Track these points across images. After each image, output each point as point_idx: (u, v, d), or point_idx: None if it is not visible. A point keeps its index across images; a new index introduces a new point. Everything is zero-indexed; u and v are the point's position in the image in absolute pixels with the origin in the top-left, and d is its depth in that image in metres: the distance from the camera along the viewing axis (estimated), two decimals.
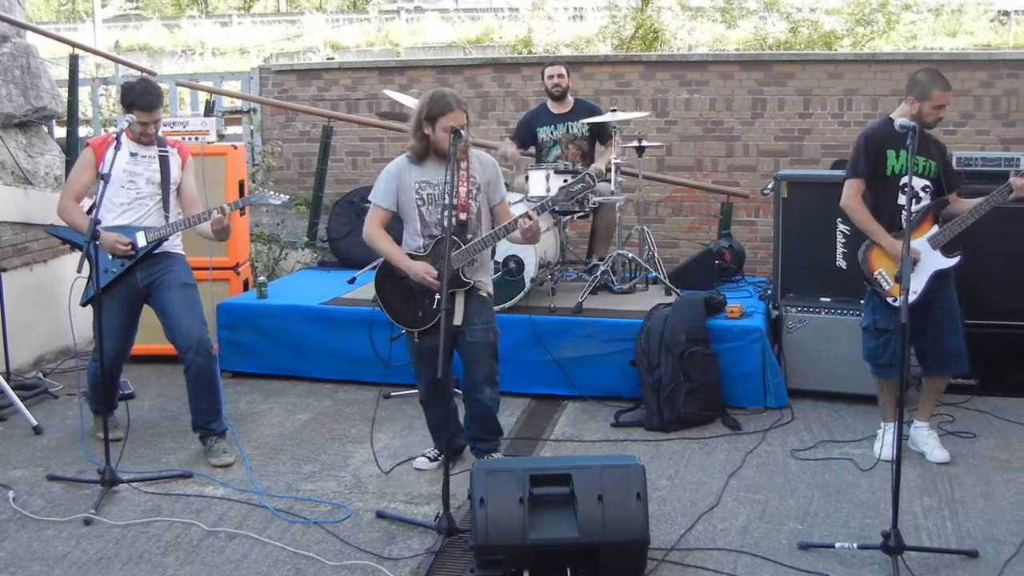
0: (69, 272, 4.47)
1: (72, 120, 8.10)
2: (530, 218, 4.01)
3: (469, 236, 4.14)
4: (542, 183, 5.78)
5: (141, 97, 4.63)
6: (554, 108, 6.62)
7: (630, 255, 6.47)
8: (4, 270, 5.72)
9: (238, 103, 9.69)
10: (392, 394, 5.65)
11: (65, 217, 4.72)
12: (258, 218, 8.09)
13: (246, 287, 6.58)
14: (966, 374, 4.80)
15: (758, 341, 5.39)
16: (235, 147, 6.54)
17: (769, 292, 6.16)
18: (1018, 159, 5.61)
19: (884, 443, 4.61)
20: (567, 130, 6.54)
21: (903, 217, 4.34)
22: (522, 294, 5.67)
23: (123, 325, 4.73)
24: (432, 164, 4.18)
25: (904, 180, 4.40)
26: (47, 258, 6.42)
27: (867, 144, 4.53)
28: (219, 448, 4.67)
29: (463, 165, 4.16)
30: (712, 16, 16.96)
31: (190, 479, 4.42)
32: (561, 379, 5.55)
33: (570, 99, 6.64)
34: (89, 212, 4.37)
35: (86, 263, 4.15)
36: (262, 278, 6.38)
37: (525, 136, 6.73)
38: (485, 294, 4.29)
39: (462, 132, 4.02)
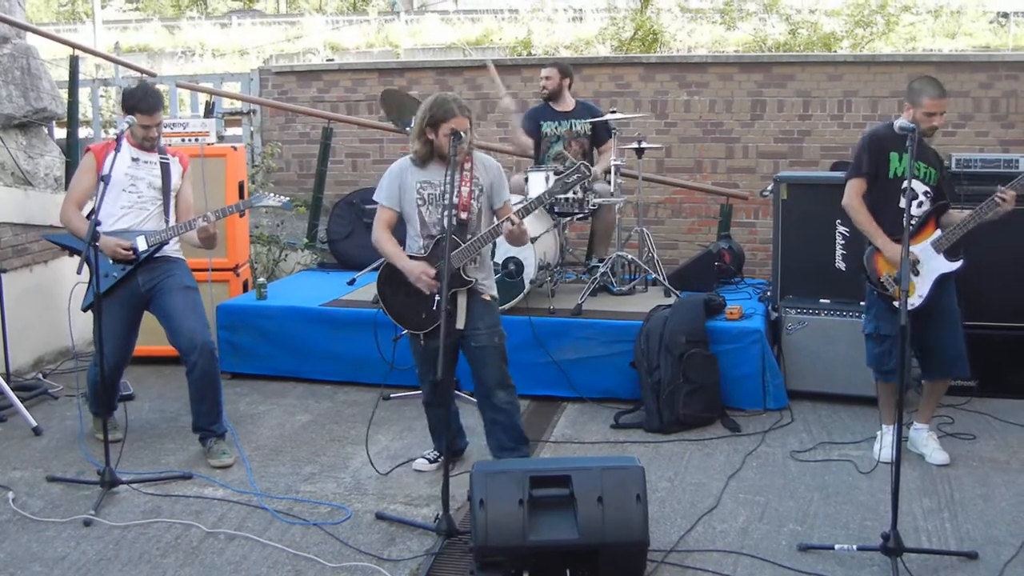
0: (69, 273, 4.47)
1: (72, 121, 8.11)
2: (512, 222, 4.02)
3: (469, 236, 4.14)
4: (542, 185, 5.78)
5: (142, 101, 4.63)
6: (556, 106, 6.63)
7: (629, 257, 6.48)
8: (4, 271, 5.72)
9: (238, 104, 9.69)
10: (391, 396, 5.65)
11: (67, 223, 4.71)
12: (258, 219, 8.09)
13: (246, 288, 6.59)
14: (966, 376, 4.81)
15: (757, 343, 5.40)
16: (235, 148, 6.54)
17: (768, 294, 6.16)
18: (1017, 160, 5.61)
19: (883, 445, 4.61)
20: (571, 127, 6.55)
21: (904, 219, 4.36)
22: (521, 296, 5.68)
23: (124, 330, 4.73)
24: (435, 167, 4.18)
25: (907, 183, 4.40)
26: (47, 259, 6.42)
27: (871, 145, 4.52)
28: (219, 449, 4.67)
29: (466, 167, 4.17)
30: (711, 18, 17.00)
31: (190, 480, 4.42)
32: (560, 380, 5.55)
33: (572, 100, 6.64)
34: (90, 216, 4.37)
35: (86, 266, 4.13)
36: (262, 279, 6.39)
37: (530, 127, 6.73)
38: (489, 297, 4.27)
39: (462, 134, 4.04)
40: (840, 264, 5.69)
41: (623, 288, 6.33)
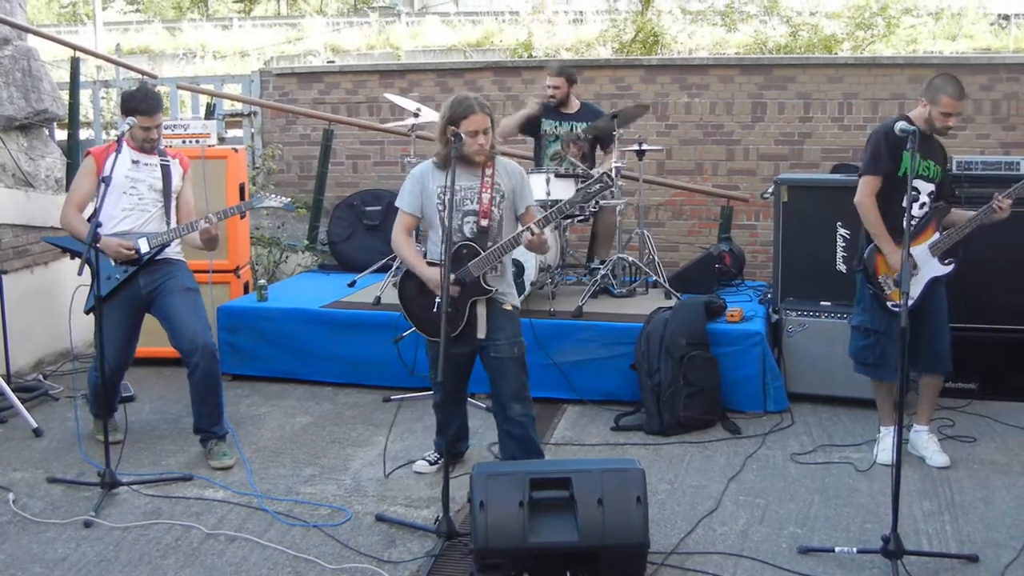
0: (70, 275, 4.47)
1: (73, 123, 8.11)
2: (532, 231, 3.93)
3: (489, 243, 4.05)
4: (542, 187, 5.78)
5: (142, 102, 4.63)
6: (561, 109, 6.64)
7: (630, 259, 6.48)
8: (5, 272, 5.72)
9: (239, 106, 9.70)
10: (392, 398, 5.65)
11: (67, 226, 4.71)
12: (258, 221, 8.10)
13: (246, 290, 6.59)
14: (962, 375, 4.82)
15: (758, 345, 5.40)
16: (236, 150, 6.54)
17: (769, 296, 6.16)
18: (1018, 163, 5.61)
19: (883, 447, 4.62)
20: (571, 128, 6.55)
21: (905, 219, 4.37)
22: (522, 298, 5.67)
23: (125, 333, 4.73)
24: (458, 169, 4.06)
25: (916, 182, 4.42)
26: (48, 260, 6.42)
27: (888, 141, 4.48)
28: (219, 451, 4.67)
29: (487, 172, 4.09)
30: (712, 20, 16.99)
31: (190, 482, 4.42)
32: (561, 383, 5.55)
33: (577, 102, 6.66)
34: (91, 219, 4.36)
35: (87, 268, 4.10)
36: (262, 281, 6.39)
37: (529, 128, 6.74)
38: (510, 307, 4.18)
39: (463, 135, 3.97)
40: (841, 266, 5.69)
41: (624, 290, 6.34)
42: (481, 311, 4.11)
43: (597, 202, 6.03)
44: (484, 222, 4.07)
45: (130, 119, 4.56)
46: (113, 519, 4.01)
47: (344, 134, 9.12)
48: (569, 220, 6.26)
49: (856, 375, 4.84)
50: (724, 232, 7.66)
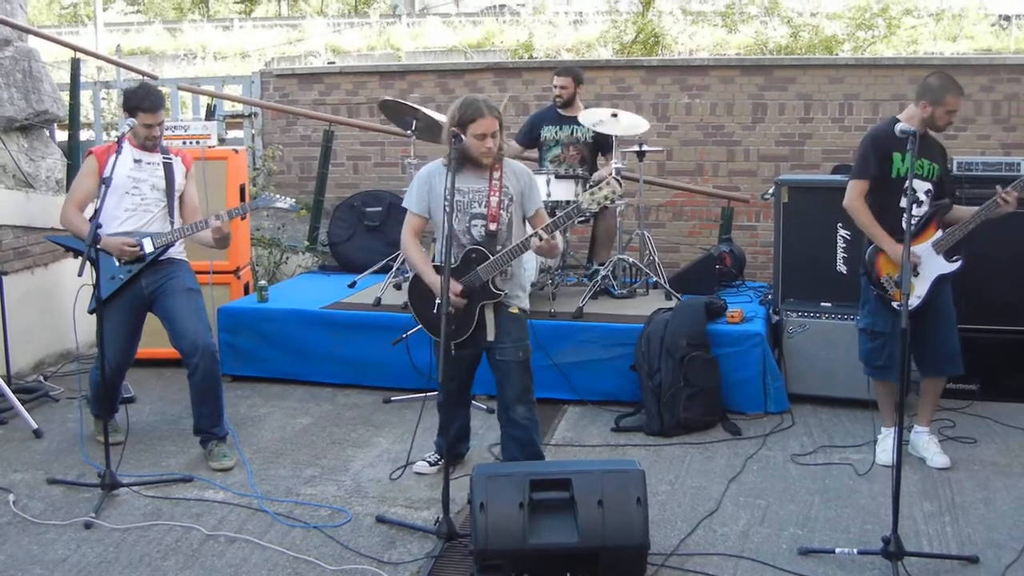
0: (70, 276, 4.46)
1: (74, 124, 8.11)
2: (540, 237, 3.93)
3: (498, 247, 4.03)
4: (543, 188, 5.77)
5: (144, 100, 4.64)
6: (564, 111, 6.65)
7: (630, 260, 6.48)
8: (5, 273, 5.72)
9: (239, 107, 9.70)
10: (392, 399, 5.65)
11: (68, 225, 4.71)
12: (259, 222, 8.10)
13: (247, 291, 6.59)
14: (963, 376, 4.81)
15: (758, 346, 5.39)
16: (236, 151, 6.55)
17: (770, 297, 6.16)
18: (1019, 163, 5.61)
19: (884, 448, 4.61)
20: (571, 132, 6.55)
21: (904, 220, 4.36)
22: None
23: (127, 333, 4.73)
24: (466, 172, 4.05)
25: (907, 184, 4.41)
26: (48, 261, 6.42)
27: (874, 145, 4.52)
28: (219, 452, 4.67)
29: (495, 174, 4.07)
30: (713, 21, 16.98)
31: (190, 483, 4.42)
32: (561, 383, 5.55)
33: (580, 105, 6.66)
34: (91, 219, 4.36)
35: (88, 269, 4.08)
36: (263, 282, 6.39)
37: (527, 137, 6.75)
38: (517, 310, 4.17)
39: (463, 136, 3.95)
40: (841, 267, 5.69)
41: (624, 291, 6.34)
42: (489, 314, 4.10)
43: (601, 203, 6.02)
44: (492, 226, 4.05)
45: (130, 120, 4.57)
46: (113, 520, 4.01)
47: (344, 135, 9.12)
48: (569, 221, 6.23)
49: (856, 376, 4.83)
50: (724, 233, 7.66)
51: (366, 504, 4.21)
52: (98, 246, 4.24)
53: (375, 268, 6.83)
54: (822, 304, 5.62)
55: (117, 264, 4.63)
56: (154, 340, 5.30)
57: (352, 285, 6.72)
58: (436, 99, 8.79)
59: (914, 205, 4.44)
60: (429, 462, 4.58)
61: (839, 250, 5.70)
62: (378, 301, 6.09)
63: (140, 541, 3.84)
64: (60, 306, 6.14)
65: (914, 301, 4.39)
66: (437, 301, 3.96)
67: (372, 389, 5.80)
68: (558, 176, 5.98)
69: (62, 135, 8.37)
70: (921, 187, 4.50)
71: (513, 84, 9.08)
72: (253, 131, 9.47)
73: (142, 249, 4.62)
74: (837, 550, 3.67)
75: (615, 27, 16.67)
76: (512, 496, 3.36)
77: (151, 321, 4.81)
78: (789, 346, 5.60)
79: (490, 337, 4.10)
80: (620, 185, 4.05)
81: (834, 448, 4.88)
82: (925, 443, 4.67)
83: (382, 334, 5.67)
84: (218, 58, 21.18)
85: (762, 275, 7.76)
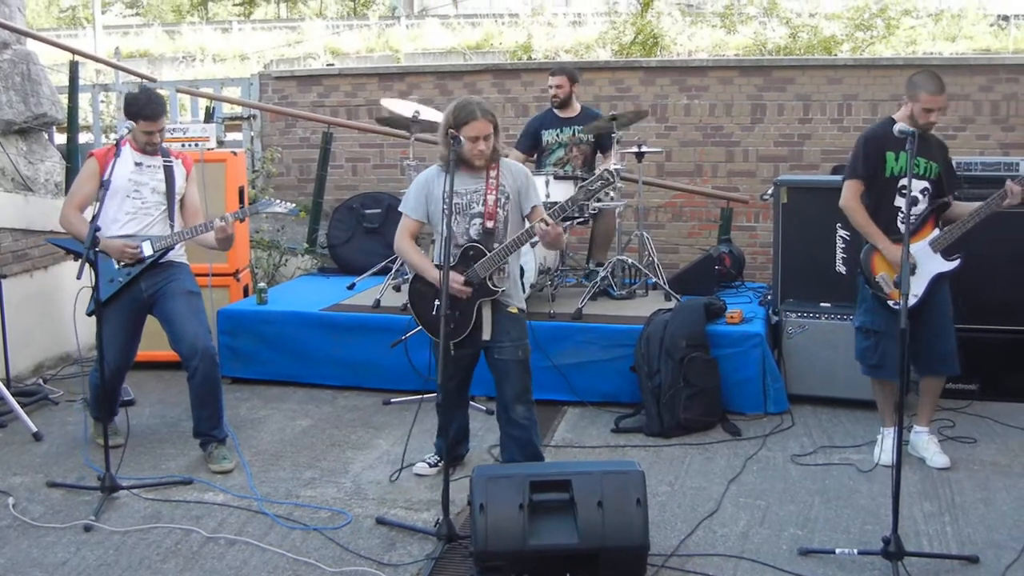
0: (70, 278, 4.45)
1: (72, 127, 8.12)
2: (546, 222, 3.94)
3: (495, 245, 4.06)
4: (542, 189, 5.77)
5: (146, 107, 4.63)
6: (560, 112, 6.66)
7: (630, 261, 6.48)
8: (4, 276, 5.72)
9: (238, 109, 9.70)
10: (392, 400, 5.65)
11: (68, 226, 4.71)
12: (258, 224, 8.10)
13: (246, 293, 6.59)
14: (962, 376, 4.81)
15: (758, 346, 5.39)
16: (235, 153, 6.55)
17: (769, 297, 6.16)
18: (1017, 163, 5.61)
19: (884, 448, 4.61)
20: (573, 133, 6.56)
21: (900, 219, 4.36)
22: None
23: (127, 336, 4.73)
24: (463, 174, 4.08)
25: (903, 181, 4.40)
26: (47, 264, 6.42)
27: (866, 145, 4.53)
28: (219, 454, 4.67)
29: (491, 174, 4.10)
30: (712, 21, 16.99)
31: (190, 485, 4.42)
32: (561, 384, 5.55)
33: (577, 105, 6.66)
34: (91, 222, 4.36)
35: (87, 271, 4.09)
36: (262, 284, 6.39)
37: (528, 143, 6.75)
38: (516, 310, 4.18)
39: (461, 138, 3.97)
40: (841, 268, 5.69)
41: (623, 292, 6.34)
42: (487, 313, 4.11)
43: (599, 198, 6.02)
44: (489, 223, 4.07)
45: (129, 123, 4.57)
46: (113, 523, 4.01)
47: (343, 137, 9.13)
48: (569, 222, 6.26)
49: (856, 376, 4.84)
50: (724, 234, 7.66)
51: (366, 506, 4.21)
52: (97, 248, 4.23)
53: (374, 270, 6.83)
54: (821, 304, 5.62)
55: (116, 267, 4.63)
56: (154, 343, 5.30)
57: (351, 287, 6.72)
58: (435, 100, 8.79)
59: (905, 203, 4.43)
60: (429, 463, 4.58)
61: (838, 250, 5.70)
62: (377, 303, 6.09)
63: (140, 544, 3.84)
64: (59, 309, 6.14)
65: (911, 300, 4.38)
66: (437, 302, 3.97)
67: (372, 391, 5.80)
68: (557, 177, 5.98)
69: (61, 138, 8.38)
70: (917, 186, 4.48)
71: (512, 85, 9.09)
72: (252, 133, 9.47)
73: (141, 252, 4.62)
74: (837, 550, 3.67)
75: (614, 28, 16.68)
76: (512, 497, 3.36)
77: (151, 323, 4.81)
78: (789, 346, 5.60)
79: (486, 336, 4.11)
80: (613, 178, 4.07)
81: (834, 448, 4.88)
82: (925, 443, 4.67)
83: (381, 336, 5.67)
84: (217, 60, 21.16)
85: (761, 276, 7.76)
